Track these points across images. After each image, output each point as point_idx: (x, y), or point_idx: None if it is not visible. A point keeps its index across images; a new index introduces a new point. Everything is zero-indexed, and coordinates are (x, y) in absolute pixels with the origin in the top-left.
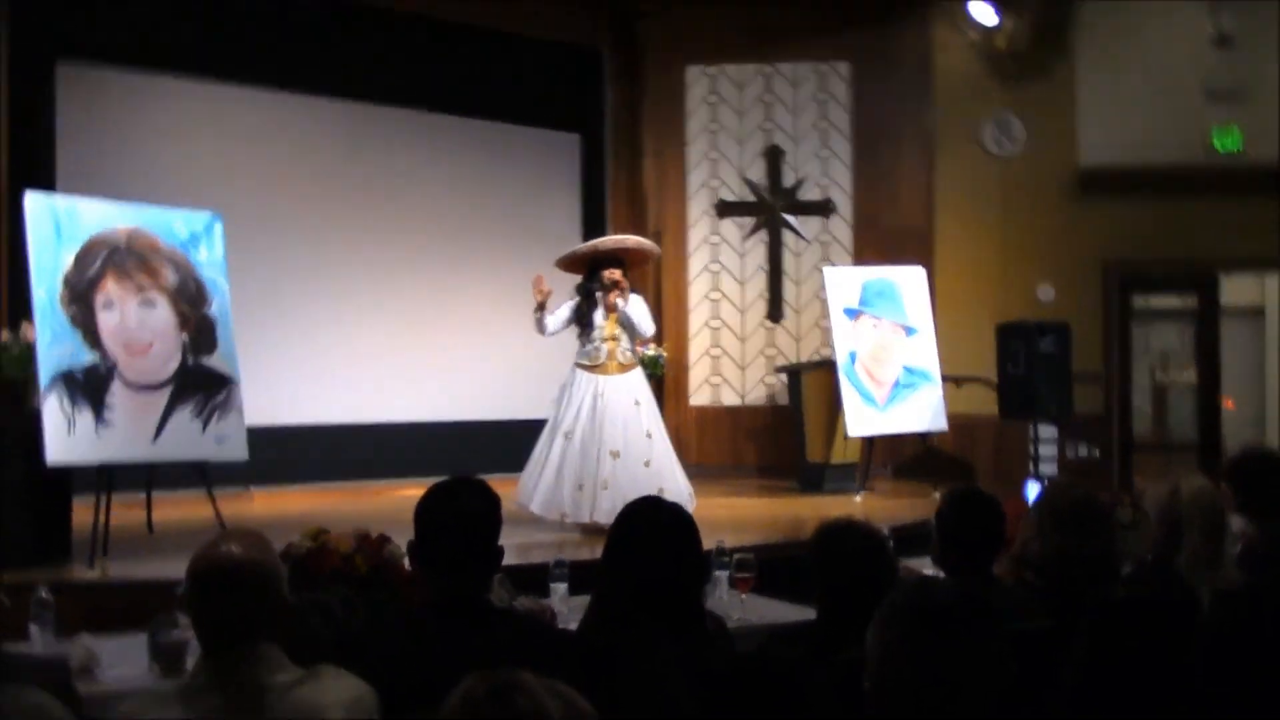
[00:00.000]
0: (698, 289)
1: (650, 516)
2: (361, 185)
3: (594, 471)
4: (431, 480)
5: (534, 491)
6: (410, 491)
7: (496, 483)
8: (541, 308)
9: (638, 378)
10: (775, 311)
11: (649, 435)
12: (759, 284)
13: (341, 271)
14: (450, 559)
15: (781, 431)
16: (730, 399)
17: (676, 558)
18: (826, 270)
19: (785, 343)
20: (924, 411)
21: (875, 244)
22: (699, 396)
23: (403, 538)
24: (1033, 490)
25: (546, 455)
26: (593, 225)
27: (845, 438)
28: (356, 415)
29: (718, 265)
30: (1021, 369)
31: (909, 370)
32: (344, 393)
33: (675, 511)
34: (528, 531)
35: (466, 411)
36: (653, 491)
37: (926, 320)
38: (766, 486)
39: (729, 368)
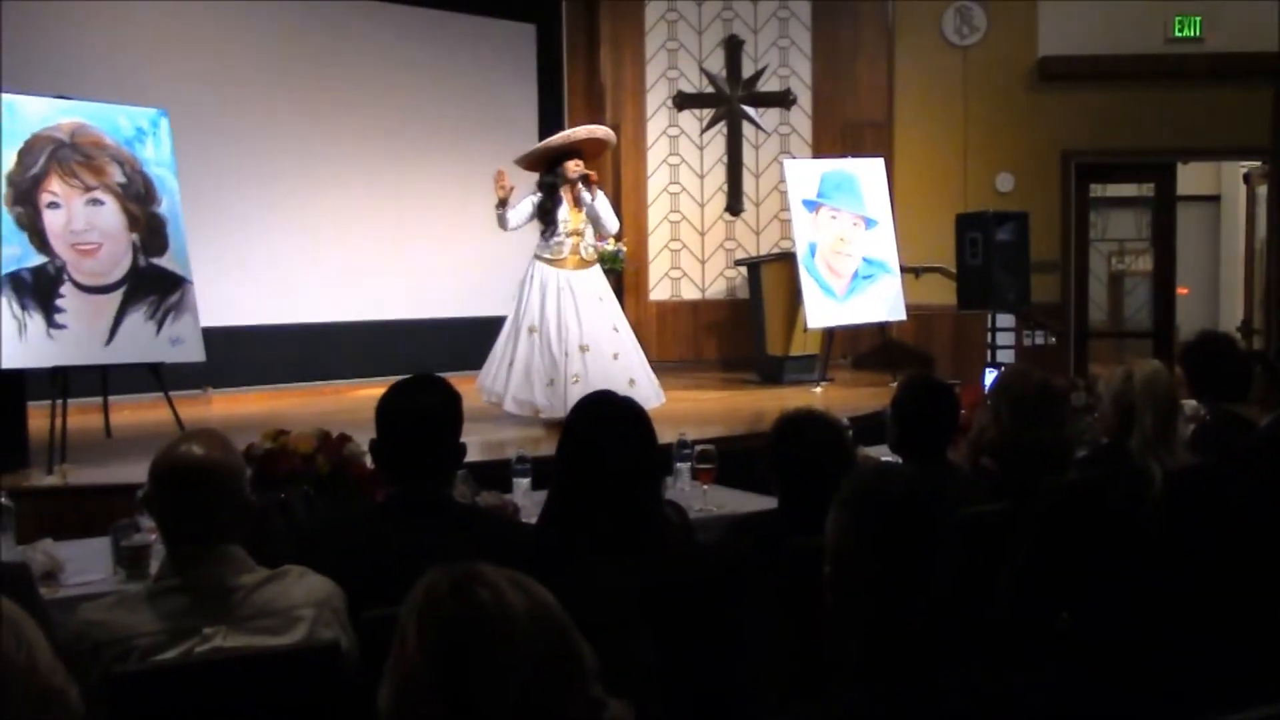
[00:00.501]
0: (656, 182)
1: (601, 411)
2: (313, 79)
3: (564, 366)
4: (391, 380)
5: (504, 390)
6: (370, 391)
7: (458, 380)
8: (503, 204)
9: (598, 274)
10: (735, 204)
11: (615, 329)
12: (718, 177)
13: (294, 168)
14: (411, 457)
15: (741, 325)
16: (690, 293)
17: (629, 451)
18: (786, 162)
19: (745, 236)
20: (883, 302)
21: (835, 136)
22: (659, 291)
23: (364, 437)
24: (990, 378)
25: (513, 352)
26: (550, 118)
27: (805, 330)
28: (313, 315)
29: (677, 158)
30: (980, 259)
31: (868, 261)
32: (300, 292)
33: (627, 405)
34: (491, 428)
35: (425, 310)
36: (624, 384)
37: (885, 212)
38: (727, 379)
39: (689, 261)
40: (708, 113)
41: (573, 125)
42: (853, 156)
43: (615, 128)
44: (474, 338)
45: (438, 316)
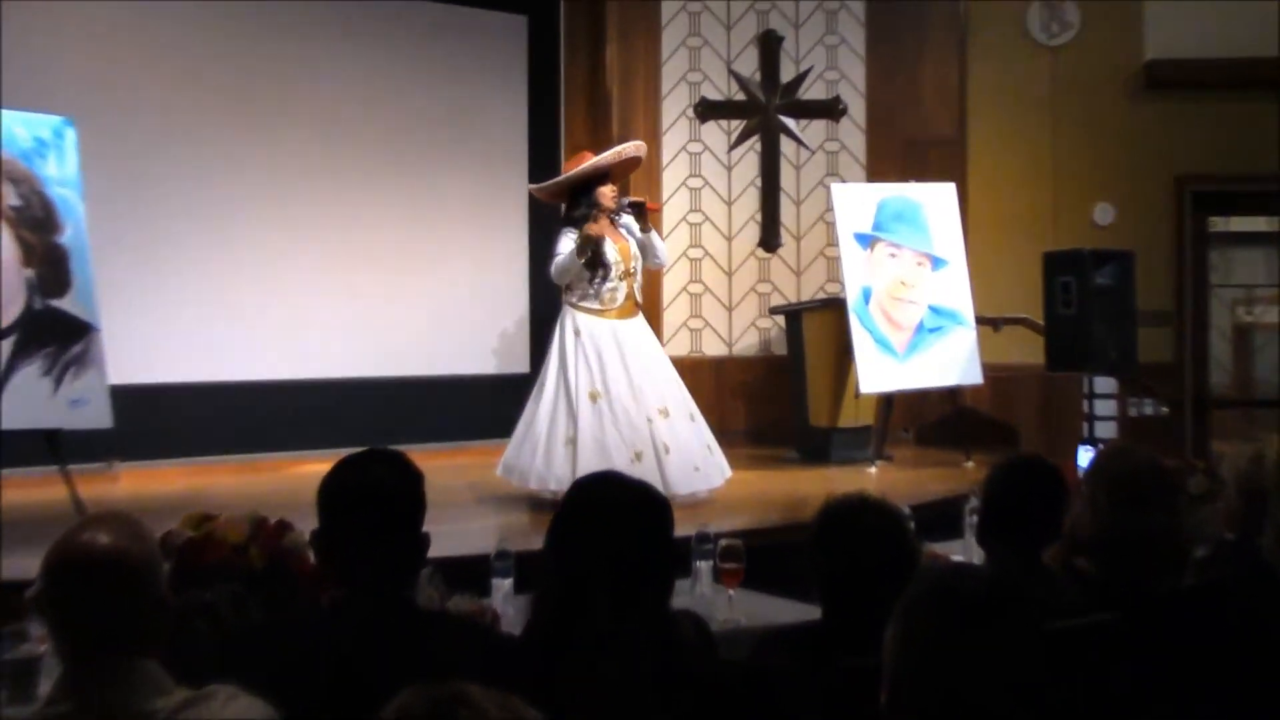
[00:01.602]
0: (673, 210)
1: (604, 495)
2: (255, 85)
3: (650, 436)
4: (342, 453)
5: (569, 473)
6: (317, 467)
7: (425, 456)
8: (588, 250)
9: (643, 319)
10: (770, 238)
11: (679, 386)
12: (750, 204)
13: (229, 191)
14: (364, 550)
15: (778, 388)
16: (714, 347)
17: (638, 547)
18: (834, 187)
19: (783, 277)
20: (954, 361)
21: (894, 155)
22: (675, 345)
23: (308, 525)
24: (1086, 457)
25: (573, 427)
26: (542, 129)
27: (857, 395)
28: (249, 371)
29: (699, 180)
30: (1074, 308)
31: (935, 310)
32: (233, 343)
33: (637, 488)
34: (465, 514)
35: (388, 366)
36: (703, 452)
37: (957, 248)
38: (759, 456)
39: (713, 308)
40: (737, 125)
41: (573, 138)
42: (916, 180)
43: (621, 139)
44: (449, 401)
45: (403, 375)
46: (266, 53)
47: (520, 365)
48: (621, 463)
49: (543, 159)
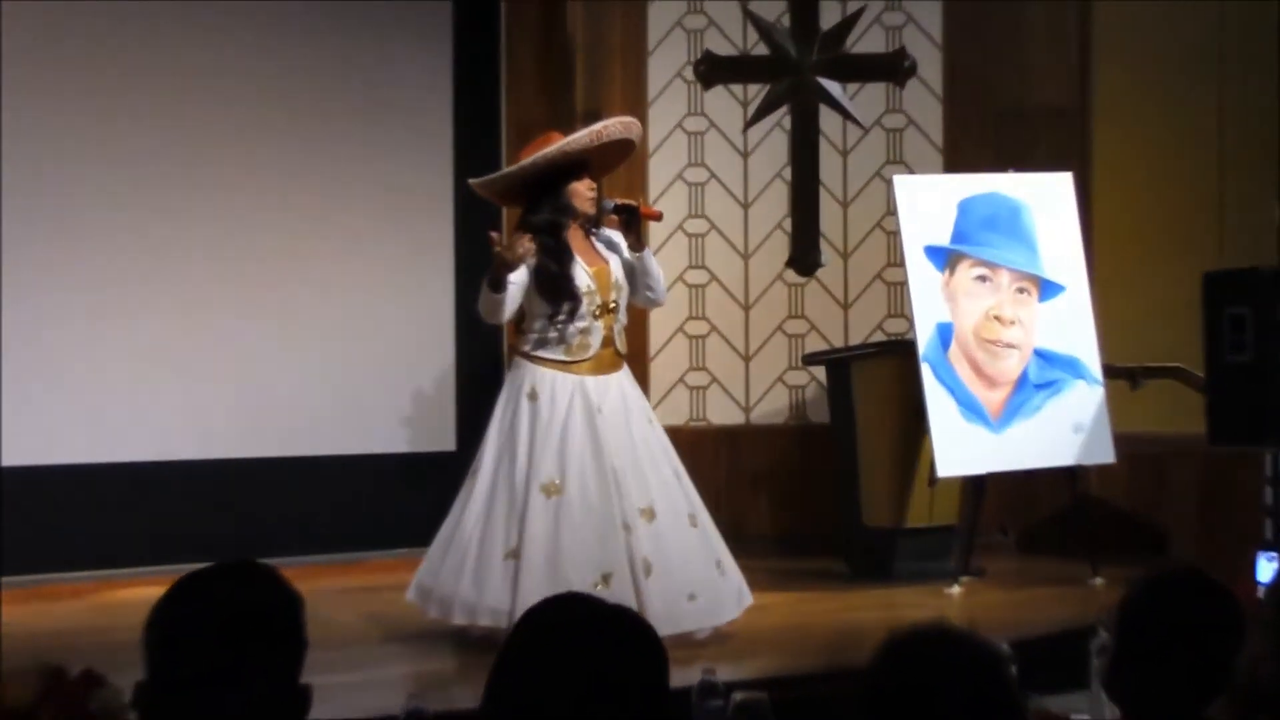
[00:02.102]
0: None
1: (568, 627)
2: (99, 90)
3: (623, 549)
4: (180, 571)
5: (510, 602)
6: (140, 592)
7: (303, 572)
8: (500, 280)
9: (629, 376)
10: (805, 255)
11: (678, 475)
12: (775, 206)
13: (39, 219)
14: (213, 709)
15: (816, 472)
16: (724, 414)
17: (613, 700)
18: (898, 181)
19: (824, 311)
20: (1072, 432)
21: (984, 133)
22: (667, 411)
23: (126, 676)
24: (1268, 570)
25: (516, 531)
26: (474, 104)
27: (932, 482)
28: (37, 451)
29: (701, 171)
30: (1248, 353)
31: (1046, 358)
32: (36, 418)
33: (617, 616)
34: (361, 658)
35: (248, 441)
36: (710, 571)
37: (1077, 267)
38: (791, 572)
39: (722, 357)
40: (757, 92)
41: (518, 114)
42: (1017, 169)
43: (590, 116)
44: (341, 494)
45: (272, 454)
46: (125, 53)
47: (443, 442)
48: (581, 587)
49: (476, 148)
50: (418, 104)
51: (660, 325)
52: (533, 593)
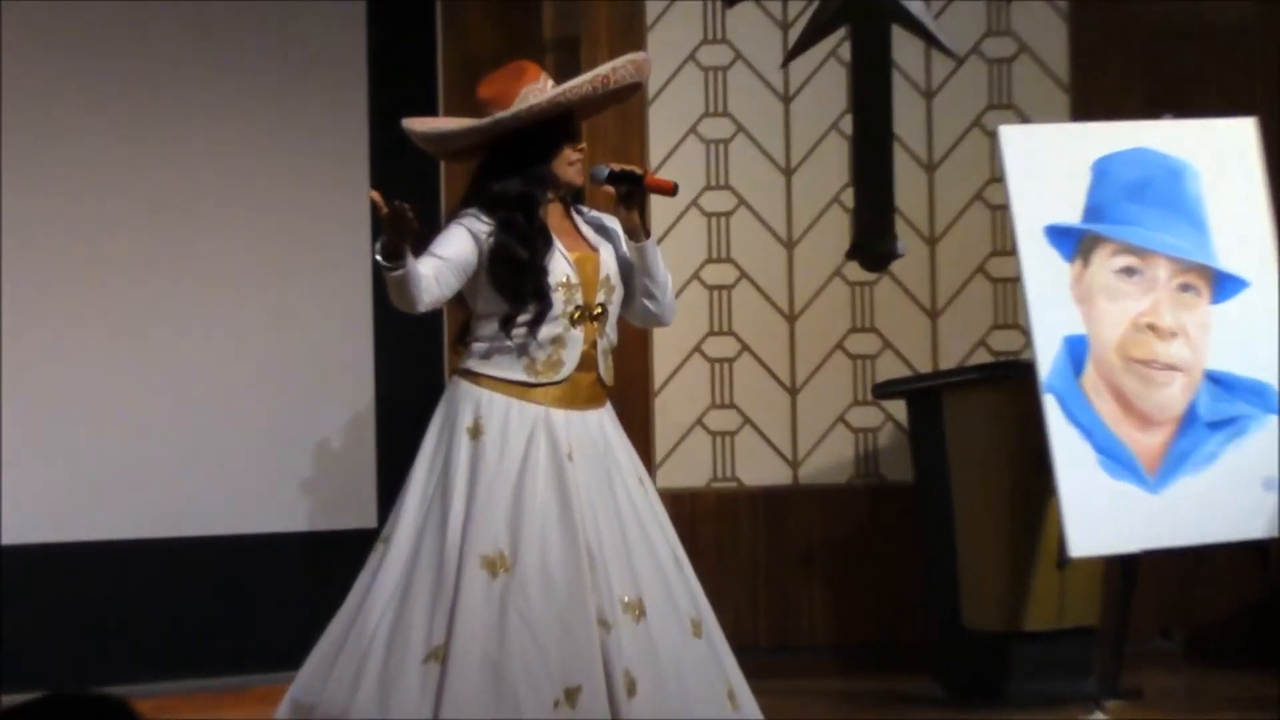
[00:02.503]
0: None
1: None
2: None
3: (597, 654)
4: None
5: (415, 713)
6: None
7: (164, 704)
8: (397, 249)
9: (612, 418)
10: (874, 242)
11: (677, 559)
12: (830, 171)
13: None
14: None
15: (893, 553)
16: (760, 469)
17: None
18: (1005, 134)
19: (901, 321)
20: (1262, 490)
21: (1129, 63)
22: (681, 465)
23: None
24: None
25: (447, 624)
26: (394, 34)
27: (1061, 564)
28: None
29: (723, 124)
30: None
31: (1223, 384)
32: None
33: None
34: None
35: (97, 521)
36: (719, 696)
37: (1266, 255)
38: (859, 694)
39: (757, 389)
40: (803, 9)
41: (456, 48)
42: (1178, 116)
43: (562, 46)
44: (212, 595)
45: (132, 537)
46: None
47: (359, 516)
48: (533, 704)
49: (401, 96)
50: (319, 52)
51: (668, 344)
52: (465, 709)
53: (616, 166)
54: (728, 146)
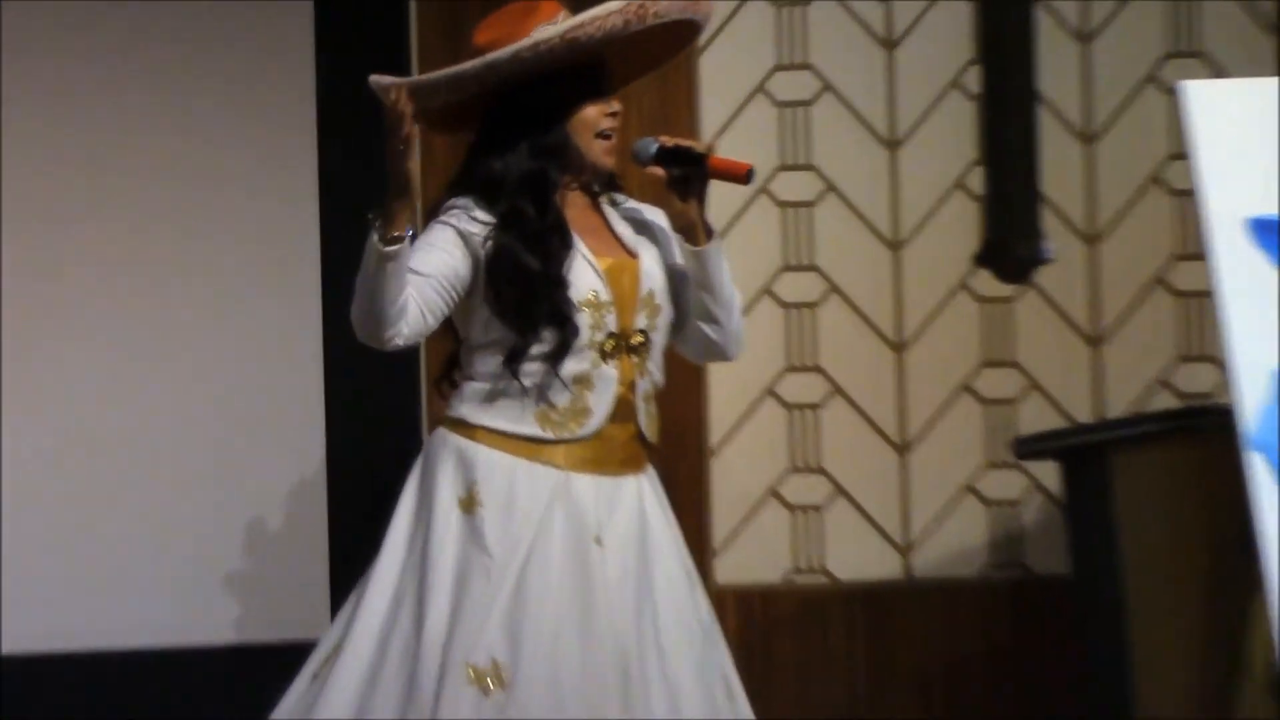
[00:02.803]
0: (735, 263)
1: None
2: None
3: None
4: None
5: None
6: None
7: None
8: (406, 191)
9: (657, 487)
10: (1014, 243)
11: (729, 688)
12: (951, 147)
13: None
14: None
15: (1036, 668)
16: (860, 557)
17: None
18: (1190, 91)
19: (1051, 352)
20: None
21: None
22: (747, 551)
23: None
24: None
25: None
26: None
27: (1277, 685)
28: None
29: (803, 79)
30: None
31: None
32: None
33: None
34: None
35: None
36: None
37: None
38: None
39: (852, 446)
40: None
41: (419, 42)
42: None
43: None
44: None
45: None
46: None
47: (306, 625)
48: None
49: (362, 51)
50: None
51: (730, 383)
52: None
53: (668, 141)
54: (808, 111)
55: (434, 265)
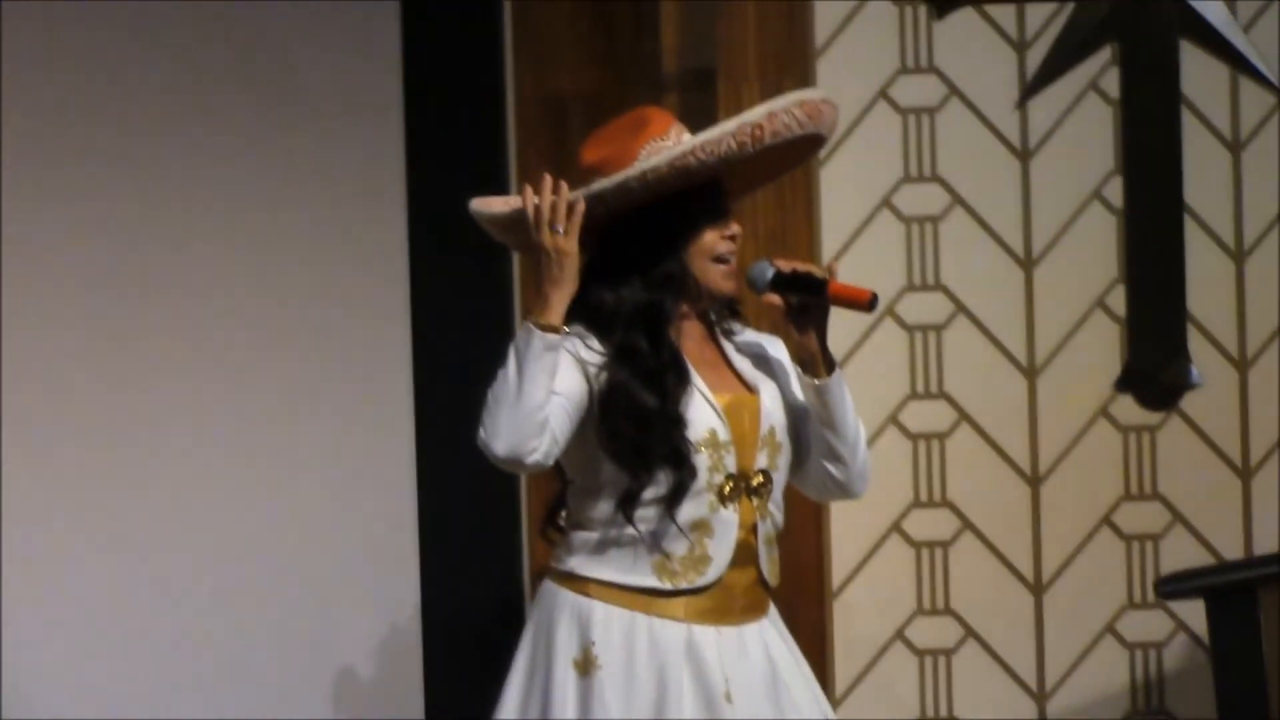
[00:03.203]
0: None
1: None
2: None
3: None
4: None
5: None
6: None
7: None
8: (556, 311)
9: (781, 628)
10: (1156, 362)
11: None
12: (1084, 260)
13: None
14: None
15: None
16: (991, 700)
17: None
18: None
19: (1195, 481)
20: None
21: None
22: (872, 698)
23: None
24: None
25: None
26: (442, 66)
27: None
28: None
29: (932, 193)
30: None
31: None
32: None
33: None
34: None
35: None
36: None
37: None
38: None
39: (980, 581)
40: (1046, 21)
41: (532, 81)
42: None
43: (690, 80)
44: None
45: None
46: None
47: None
48: None
49: (461, 152)
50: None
51: (853, 518)
52: None
53: (785, 265)
54: (937, 225)
55: (561, 384)
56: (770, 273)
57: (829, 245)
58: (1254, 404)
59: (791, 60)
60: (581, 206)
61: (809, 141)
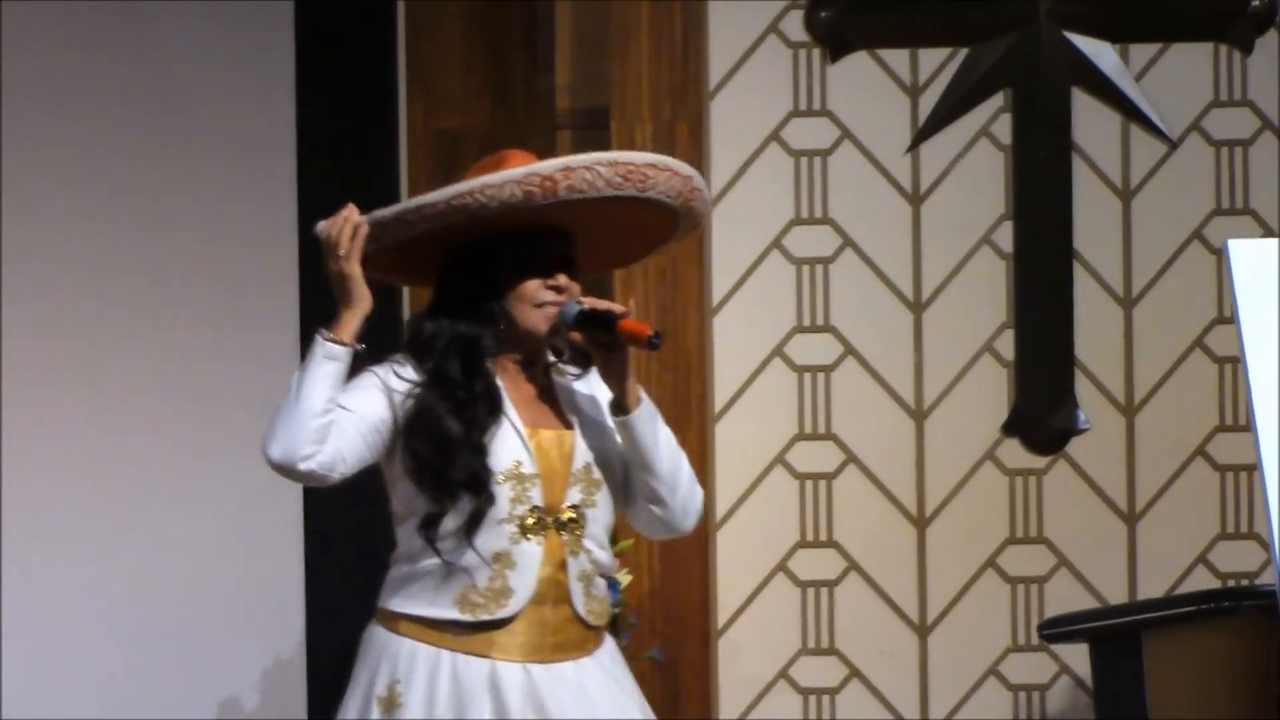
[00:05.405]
0: (747, 322)
1: None
2: None
3: None
4: None
5: None
6: None
7: None
8: (346, 329)
9: (617, 662)
10: (1042, 408)
11: None
12: (972, 304)
13: None
14: None
15: None
16: None
17: None
18: (1234, 249)
19: (1080, 526)
20: None
21: None
22: None
23: None
24: None
25: None
26: (337, 104)
27: None
28: None
29: (819, 239)
30: None
31: None
32: None
33: None
34: None
35: None
36: None
37: None
38: None
39: (864, 622)
40: (939, 66)
41: (424, 120)
42: None
43: (588, 119)
44: None
45: None
46: None
47: None
48: None
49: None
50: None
51: (736, 562)
52: None
53: (586, 303)
54: (828, 268)
55: (355, 402)
56: (575, 309)
57: (719, 286)
58: (1140, 450)
59: (684, 101)
60: (364, 231)
61: (663, 209)
